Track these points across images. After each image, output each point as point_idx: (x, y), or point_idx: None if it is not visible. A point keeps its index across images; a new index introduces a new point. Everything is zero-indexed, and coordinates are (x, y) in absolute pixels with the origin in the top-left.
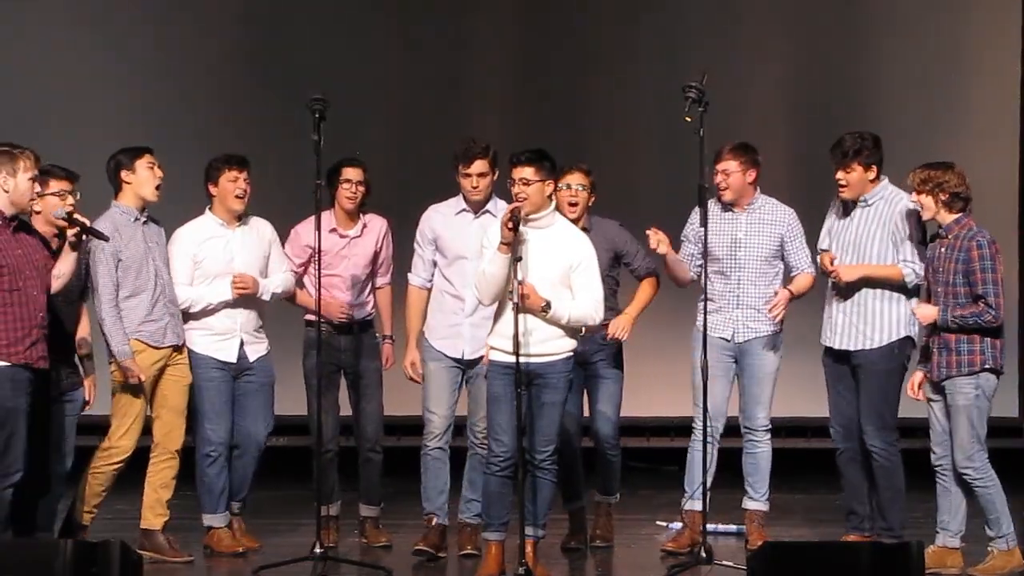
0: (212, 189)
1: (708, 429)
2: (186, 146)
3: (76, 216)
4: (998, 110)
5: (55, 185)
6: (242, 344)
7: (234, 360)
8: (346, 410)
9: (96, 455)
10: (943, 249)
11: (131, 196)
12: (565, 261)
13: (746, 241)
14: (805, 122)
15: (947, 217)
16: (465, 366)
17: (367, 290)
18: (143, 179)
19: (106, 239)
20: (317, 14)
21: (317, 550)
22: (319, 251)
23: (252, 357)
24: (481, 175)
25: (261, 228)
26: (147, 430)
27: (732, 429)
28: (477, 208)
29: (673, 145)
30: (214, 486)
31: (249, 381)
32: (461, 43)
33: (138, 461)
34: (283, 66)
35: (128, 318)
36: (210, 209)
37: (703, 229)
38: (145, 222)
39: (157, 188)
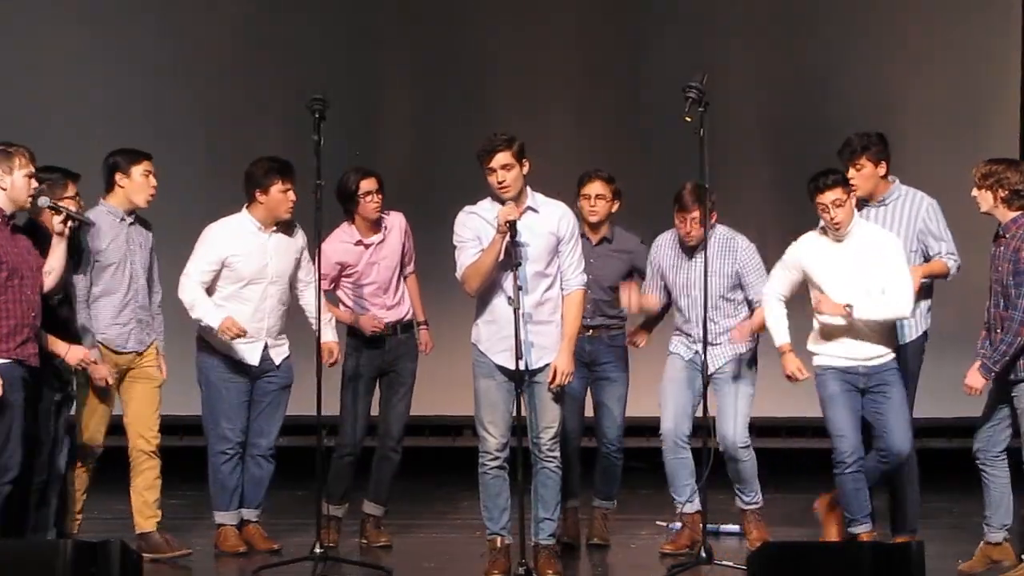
0: (260, 195)
1: (674, 439)
2: (186, 146)
3: (60, 204)
4: (998, 110)
5: (72, 189)
6: (266, 347)
7: (256, 363)
8: (374, 409)
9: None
10: (1001, 248)
11: (121, 198)
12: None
13: (700, 281)
14: (805, 123)
15: (1006, 215)
16: (521, 376)
17: (400, 288)
18: (137, 185)
19: (91, 224)
20: (321, 13)
21: (317, 550)
22: (319, 253)
23: (278, 360)
24: (505, 167)
25: (296, 236)
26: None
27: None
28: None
29: (673, 145)
30: (228, 484)
31: (270, 382)
32: (465, 43)
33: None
34: (284, 66)
35: (95, 318)
36: (248, 210)
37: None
38: (132, 223)
39: (150, 197)
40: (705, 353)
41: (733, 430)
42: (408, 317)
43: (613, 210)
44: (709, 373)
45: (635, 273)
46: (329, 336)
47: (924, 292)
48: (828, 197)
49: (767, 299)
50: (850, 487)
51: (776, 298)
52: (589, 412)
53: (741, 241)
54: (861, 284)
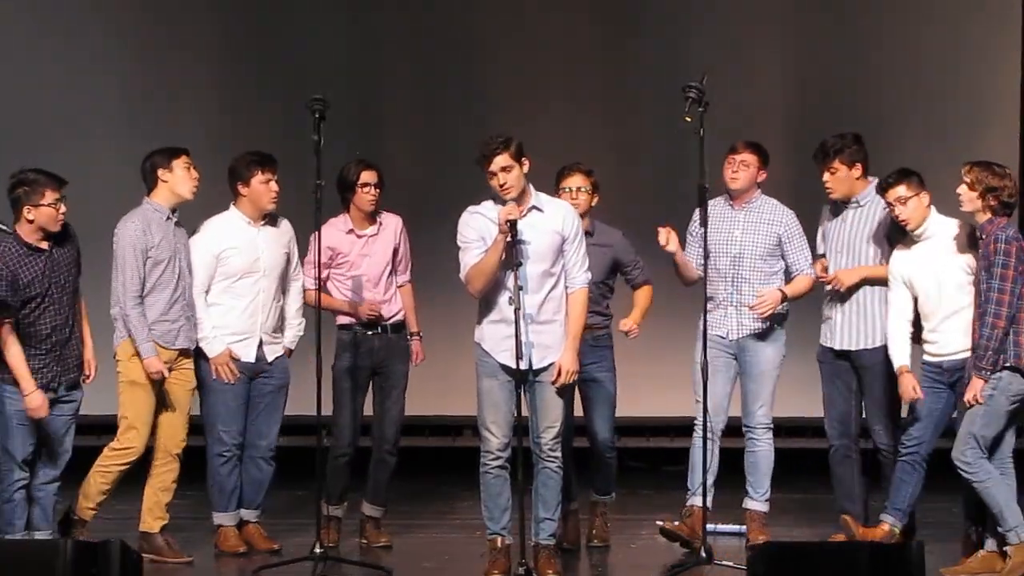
0: (242, 189)
1: (707, 425)
2: (188, 147)
3: None
4: (998, 110)
5: (50, 196)
6: (260, 344)
7: (252, 360)
8: (367, 409)
9: (104, 453)
10: (980, 250)
11: (166, 194)
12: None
13: (743, 239)
14: (805, 123)
15: (983, 217)
16: (523, 375)
17: (392, 288)
18: (180, 178)
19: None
20: (322, 12)
21: (317, 550)
22: (319, 255)
23: (270, 358)
24: (504, 169)
25: (283, 228)
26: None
27: (736, 429)
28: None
29: (673, 145)
30: (225, 486)
31: (265, 383)
32: (465, 43)
33: (141, 462)
34: (286, 64)
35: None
36: (235, 205)
37: (703, 229)
38: (177, 223)
39: (194, 188)
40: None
41: (757, 408)
42: (399, 318)
43: (593, 203)
44: (732, 338)
45: (617, 268)
46: (287, 343)
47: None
48: (891, 195)
49: (892, 325)
50: (897, 475)
51: (902, 320)
52: (578, 412)
53: (785, 209)
54: (948, 284)
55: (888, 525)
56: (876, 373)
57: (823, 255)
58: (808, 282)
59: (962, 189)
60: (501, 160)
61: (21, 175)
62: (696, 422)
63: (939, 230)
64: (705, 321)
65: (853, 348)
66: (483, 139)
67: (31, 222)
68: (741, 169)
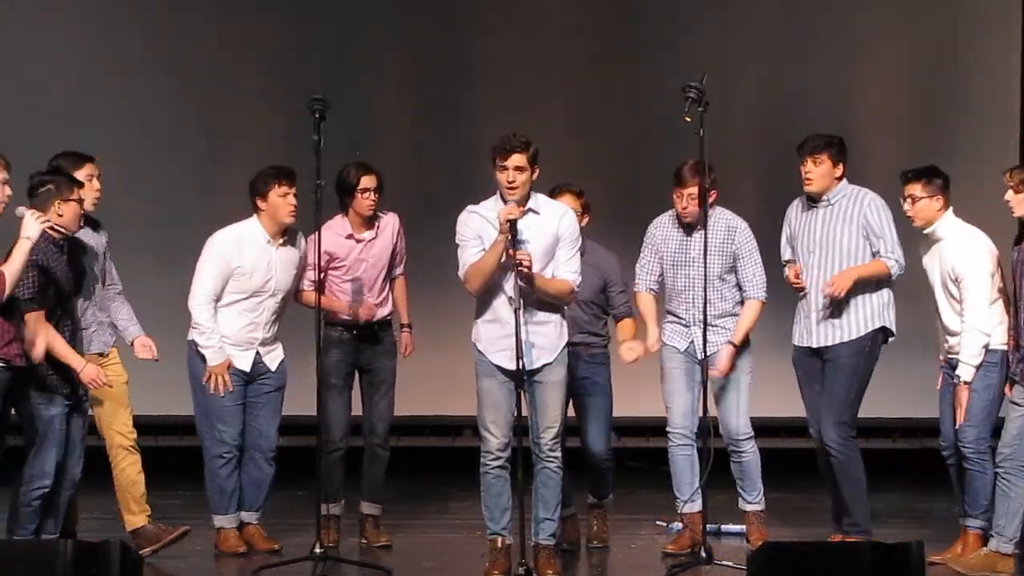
0: (260, 203)
1: (682, 432)
2: (185, 146)
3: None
4: (999, 109)
5: (77, 192)
6: (258, 354)
7: (248, 369)
8: (357, 407)
9: None
10: (1021, 254)
11: None
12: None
13: (699, 260)
14: (806, 123)
15: None
16: (520, 376)
17: (386, 290)
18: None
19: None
20: (321, 12)
21: (317, 550)
22: (319, 255)
23: (273, 365)
24: (518, 168)
25: (298, 245)
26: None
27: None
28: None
29: (672, 145)
30: (225, 487)
31: (264, 384)
32: (465, 43)
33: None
34: (286, 64)
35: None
36: (257, 218)
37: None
38: (82, 226)
39: (95, 200)
40: (706, 334)
41: (736, 421)
42: (387, 317)
43: (583, 223)
44: (699, 357)
45: (607, 288)
46: None
47: (873, 287)
48: (906, 190)
49: None
50: (952, 479)
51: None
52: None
53: (740, 223)
54: (944, 293)
55: (973, 532)
56: (838, 366)
57: (792, 260)
58: (757, 309)
59: (1009, 195)
60: (518, 159)
61: (42, 175)
62: (668, 430)
63: (947, 234)
64: (704, 332)
65: (829, 344)
66: (505, 134)
67: (61, 216)
68: (690, 204)
